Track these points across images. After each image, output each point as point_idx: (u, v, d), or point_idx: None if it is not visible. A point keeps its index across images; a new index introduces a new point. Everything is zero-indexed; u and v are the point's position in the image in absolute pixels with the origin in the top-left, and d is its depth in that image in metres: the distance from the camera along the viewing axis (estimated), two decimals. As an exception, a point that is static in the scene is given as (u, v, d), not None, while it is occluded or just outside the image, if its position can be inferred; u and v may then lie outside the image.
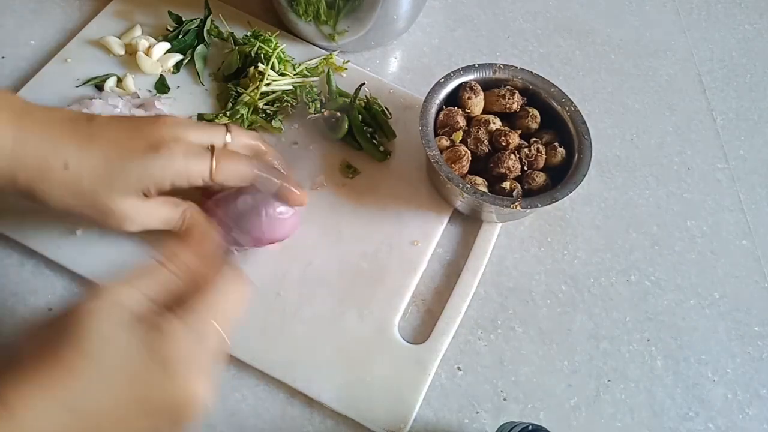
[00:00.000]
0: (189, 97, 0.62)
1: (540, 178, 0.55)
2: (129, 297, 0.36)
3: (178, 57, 0.63)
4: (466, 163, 0.55)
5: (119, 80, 0.61)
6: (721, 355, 0.56)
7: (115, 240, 0.52)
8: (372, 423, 0.48)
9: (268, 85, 0.60)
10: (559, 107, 0.59)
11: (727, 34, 0.80)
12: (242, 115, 0.59)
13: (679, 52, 0.77)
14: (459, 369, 0.52)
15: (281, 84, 0.61)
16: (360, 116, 0.61)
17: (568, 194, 0.53)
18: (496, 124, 0.58)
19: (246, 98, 0.60)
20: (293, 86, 0.62)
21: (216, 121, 0.59)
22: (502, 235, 0.59)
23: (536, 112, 0.59)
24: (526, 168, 0.56)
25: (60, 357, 0.33)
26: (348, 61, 0.66)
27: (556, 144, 0.56)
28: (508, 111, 0.59)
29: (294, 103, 0.61)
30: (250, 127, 0.60)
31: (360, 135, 0.60)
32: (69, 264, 0.51)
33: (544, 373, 0.53)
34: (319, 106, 0.61)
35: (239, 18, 0.68)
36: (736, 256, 0.62)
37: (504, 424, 0.47)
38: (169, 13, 0.66)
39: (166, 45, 0.64)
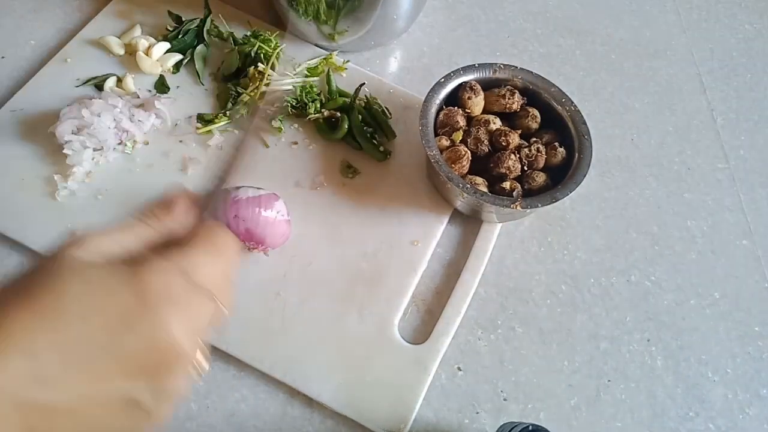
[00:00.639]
0: (189, 96, 0.62)
1: (540, 178, 0.55)
2: (107, 243, 0.33)
3: (178, 57, 0.63)
4: (466, 163, 0.55)
5: (119, 80, 0.61)
6: (721, 355, 0.56)
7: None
8: (372, 423, 0.48)
9: (268, 85, 0.60)
10: (559, 107, 0.58)
11: (727, 34, 0.80)
12: (242, 114, 0.59)
13: (679, 52, 0.77)
14: (459, 369, 0.52)
15: (281, 84, 0.61)
16: (360, 116, 0.61)
17: (568, 194, 0.53)
18: (496, 124, 0.58)
19: (246, 98, 0.60)
20: (293, 86, 0.62)
21: (215, 121, 0.59)
22: (502, 235, 0.59)
23: (536, 112, 0.59)
24: (526, 168, 0.56)
25: (30, 299, 0.29)
26: (348, 61, 0.66)
27: (556, 144, 0.56)
28: (508, 111, 0.59)
29: (294, 103, 0.61)
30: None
31: (360, 135, 0.60)
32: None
33: (544, 373, 0.53)
34: (319, 106, 0.61)
35: (239, 18, 0.68)
36: (736, 256, 0.62)
37: (504, 424, 0.47)
38: (169, 12, 0.66)
39: (166, 45, 0.64)
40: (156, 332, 0.31)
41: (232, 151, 0.48)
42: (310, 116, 0.61)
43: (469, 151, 0.55)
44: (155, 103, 0.59)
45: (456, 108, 0.58)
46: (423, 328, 0.53)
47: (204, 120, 0.60)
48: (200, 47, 0.64)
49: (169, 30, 0.65)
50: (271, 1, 0.67)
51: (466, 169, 0.55)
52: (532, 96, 0.60)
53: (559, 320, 0.56)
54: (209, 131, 0.59)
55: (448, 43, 0.72)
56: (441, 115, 0.57)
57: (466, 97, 0.58)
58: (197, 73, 0.63)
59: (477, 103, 0.58)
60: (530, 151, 0.56)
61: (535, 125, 0.59)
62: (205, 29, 0.64)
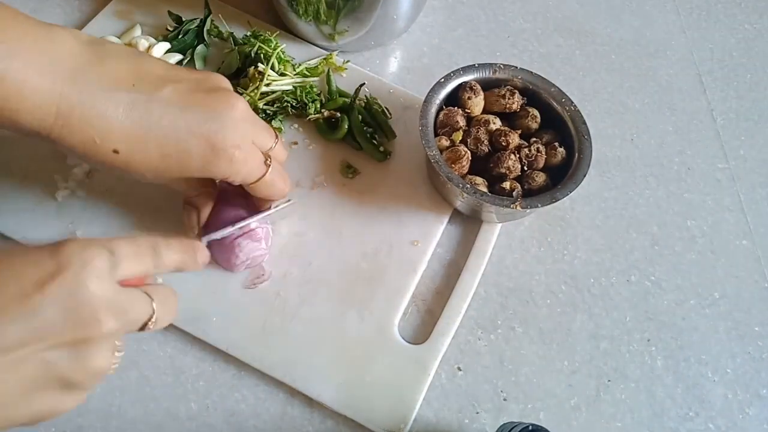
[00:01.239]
0: (189, 97, 0.62)
1: (540, 178, 0.55)
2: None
3: (178, 57, 0.63)
4: (466, 163, 0.55)
5: (119, 80, 0.61)
6: (721, 355, 0.56)
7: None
8: (372, 423, 0.48)
9: (268, 85, 0.60)
10: (559, 107, 0.58)
11: (727, 34, 0.80)
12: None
13: (679, 52, 0.77)
14: (459, 369, 0.52)
15: (281, 84, 0.61)
16: (360, 116, 0.61)
17: (568, 194, 0.53)
18: (496, 124, 0.58)
19: (246, 98, 0.60)
20: (293, 86, 0.62)
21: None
22: (502, 235, 0.59)
23: (536, 112, 0.59)
24: (526, 168, 0.56)
25: None
26: (348, 61, 0.66)
27: (556, 144, 0.56)
28: (508, 111, 0.59)
29: (294, 103, 0.61)
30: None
31: (360, 135, 0.60)
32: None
33: (544, 373, 0.53)
34: (319, 106, 0.61)
35: (239, 18, 0.68)
36: (736, 256, 0.62)
37: (504, 424, 0.47)
38: (169, 12, 0.66)
39: (166, 45, 0.64)
40: (72, 296, 0.31)
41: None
42: (310, 116, 0.61)
43: (469, 151, 0.55)
44: (155, 103, 0.59)
45: (456, 108, 0.58)
46: (423, 328, 0.53)
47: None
48: (200, 47, 0.64)
49: (169, 30, 0.65)
50: (271, 1, 0.68)
51: (466, 169, 0.55)
52: (532, 96, 0.60)
53: (559, 320, 0.56)
54: (209, 131, 0.59)
55: (448, 43, 0.72)
56: (441, 115, 0.58)
57: (466, 97, 0.58)
58: (197, 73, 0.63)
59: (477, 103, 0.58)
60: (530, 151, 0.56)
61: (535, 125, 0.59)
62: (205, 29, 0.64)
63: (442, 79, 0.58)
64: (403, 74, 0.69)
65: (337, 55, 0.66)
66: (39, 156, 0.56)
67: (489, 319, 0.55)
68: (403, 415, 0.49)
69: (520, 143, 0.57)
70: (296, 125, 0.62)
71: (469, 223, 0.59)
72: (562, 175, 0.55)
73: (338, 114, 0.61)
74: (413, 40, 0.72)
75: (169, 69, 0.44)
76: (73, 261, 0.32)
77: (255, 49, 0.62)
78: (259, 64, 0.61)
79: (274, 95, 0.61)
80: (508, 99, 0.58)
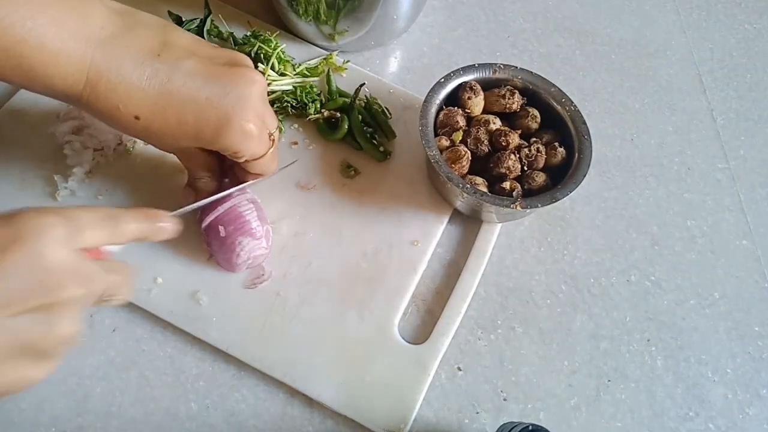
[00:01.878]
0: (189, 97, 0.62)
1: (540, 178, 0.55)
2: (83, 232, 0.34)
3: (178, 57, 0.63)
4: (466, 163, 0.55)
5: (119, 80, 0.61)
6: (721, 355, 0.56)
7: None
8: (372, 423, 0.48)
9: (268, 85, 0.60)
10: (559, 107, 0.58)
11: (727, 34, 0.80)
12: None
13: (679, 52, 0.77)
14: (459, 369, 0.52)
15: (281, 84, 0.61)
16: (360, 116, 0.61)
17: (568, 194, 0.53)
18: (496, 124, 0.58)
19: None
20: (293, 86, 0.62)
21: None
22: (502, 235, 0.59)
23: (536, 112, 0.59)
24: (526, 168, 0.56)
25: None
26: (348, 61, 0.66)
27: (556, 144, 0.56)
28: (508, 111, 0.59)
29: (294, 103, 0.61)
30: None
31: (360, 135, 0.60)
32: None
33: (544, 373, 0.53)
34: (319, 106, 0.61)
35: (239, 18, 0.68)
36: (736, 256, 0.62)
37: (504, 424, 0.47)
38: (169, 13, 0.66)
39: (166, 45, 0.63)
40: (34, 262, 0.31)
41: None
42: (310, 116, 0.61)
43: (469, 151, 0.55)
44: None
45: (456, 108, 0.58)
46: (423, 328, 0.53)
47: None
48: (200, 47, 0.64)
49: (169, 30, 0.65)
50: (271, 1, 0.68)
51: (466, 169, 0.55)
52: (532, 96, 0.60)
53: (559, 320, 0.56)
54: (209, 131, 0.59)
55: (448, 43, 0.72)
56: (441, 115, 0.57)
57: (466, 97, 0.58)
58: (197, 73, 0.63)
59: (477, 103, 0.58)
60: (530, 151, 0.56)
61: (535, 125, 0.59)
62: (205, 29, 0.64)
63: (442, 79, 0.58)
64: (403, 74, 0.69)
65: (337, 55, 0.66)
66: (39, 156, 0.56)
67: (489, 319, 0.55)
68: (403, 415, 0.49)
69: (520, 143, 0.57)
70: (296, 125, 0.62)
71: (469, 223, 0.59)
72: (562, 175, 0.55)
73: (338, 114, 0.61)
74: (413, 40, 0.72)
75: (194, 41, 0.45)
76: (30, 228, 0.32)
77: (255, 49, 0.62)
78: (259, 64, 0.61)
79: (274, 95, 0.61)
80: (508, 99, 0.58)
